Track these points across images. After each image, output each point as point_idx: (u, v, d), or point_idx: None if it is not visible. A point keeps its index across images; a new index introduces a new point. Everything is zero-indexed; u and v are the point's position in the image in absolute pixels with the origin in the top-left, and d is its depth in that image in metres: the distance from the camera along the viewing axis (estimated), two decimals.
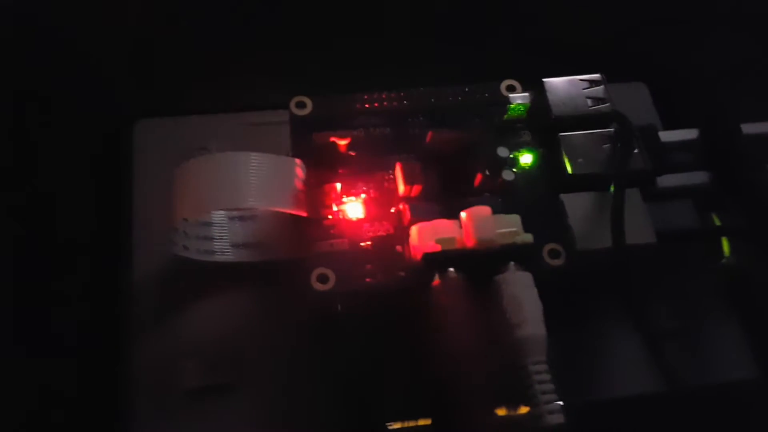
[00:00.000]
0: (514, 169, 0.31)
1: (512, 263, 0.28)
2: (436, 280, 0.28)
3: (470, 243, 0.27)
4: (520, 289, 0.27)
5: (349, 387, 0.31)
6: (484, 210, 0.28)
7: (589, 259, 0.30)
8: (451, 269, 0.28)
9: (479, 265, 0.28)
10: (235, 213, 0.33)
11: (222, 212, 0.33)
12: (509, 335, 0.27)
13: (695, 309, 0.34)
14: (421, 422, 0.32)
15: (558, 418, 0.25)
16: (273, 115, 0.36)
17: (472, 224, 0.27)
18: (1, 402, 0.30)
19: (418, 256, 0.28)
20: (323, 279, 0.29)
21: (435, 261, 0.28)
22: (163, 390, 0.31)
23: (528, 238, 0.28)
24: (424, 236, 0.28)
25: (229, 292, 0.33)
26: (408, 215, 0.30)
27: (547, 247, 0.30)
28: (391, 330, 0.30)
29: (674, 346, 0.32)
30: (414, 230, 0.29)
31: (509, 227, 0.28)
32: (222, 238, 0.33)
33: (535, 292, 0.27)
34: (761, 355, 0.33)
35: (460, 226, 0.28)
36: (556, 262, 0.30)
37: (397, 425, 0.30)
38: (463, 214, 0.28)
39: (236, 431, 0.30)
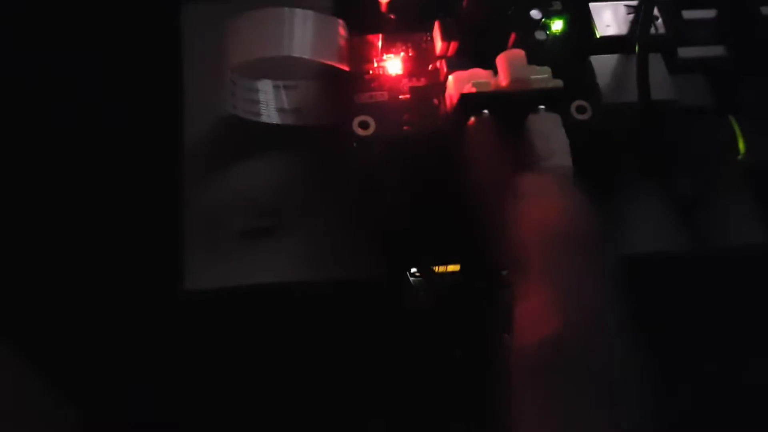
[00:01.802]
0: (547, 33, 0.33)
1: (542, 106, 0.30)
2: (472, 120, 0.30)
3: (504, 83, 0.29)
4: (549, 126, 0.29)
5: (383, 234, 0.33)
6: (519, 53, 0.30)
7: (614, 113, 0.32)
8: (486, 111, 0.29)
9: (512, 106, 0.29)
10: (280, 82, 0.35)
11: (268, 81, 0.35)
12: (538, 166, 0.29)
13: (714, 180, 0.36)
14: (451, 268, 0.34)
15: None
16: None
17: (507, 65, 0.29)
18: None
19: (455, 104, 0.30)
20: (364, 125, 0.31)
21: (471, 101, 0.29)
22: (215, 232, 0.33)
23: (558, 83, 0.30)
24: (461, 84, 0.30)
25: (275, 151, 0.35)
26: (445, 70, 0.32)
27: (575, 103, 0.32)
28: (426, 176, 0.32)
29: (695, 213, 0.35)
30: (451, 78, 0.31)
31: (541, 74, 0.30)
32: (267, 102, 0.35)
33: (563, 131, 0.29)
34: None
35: (495, 75, 0.30)
36: (584, 117, 0.32)
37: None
38: (498, 58, 0.30)
39: (279, 269, 0.33)
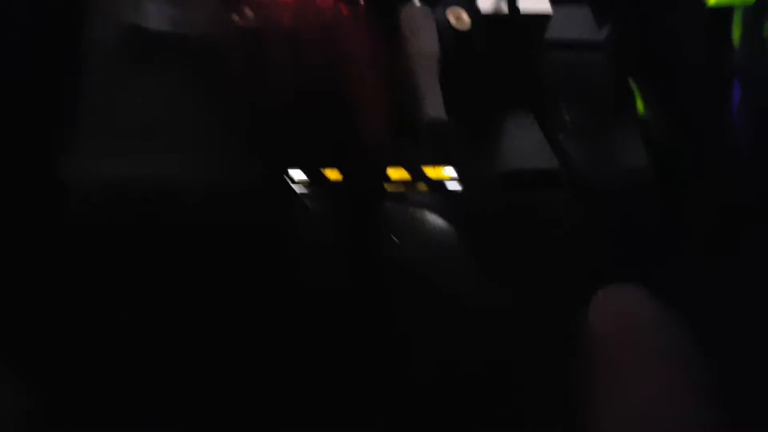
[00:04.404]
0: None
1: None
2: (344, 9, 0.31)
3: None
4: (419, 16, 0.31)
5: (265, 133, 0.33)
6: None
7: (489, 24, 0.33)
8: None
9: None
10: None
11: None
12: (407, 51, 0.30)
13: (595, 109, 0.37)
14: (332, 175, 0.34)
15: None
16: None
17: None
18: None
19: None
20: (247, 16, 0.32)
21: None
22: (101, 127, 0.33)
23: None
24: None
25: (172, 62, 0.36)
26: None
27: (452, 10, 0.34)
28: (303, 73, 0.33)
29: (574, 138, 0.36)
30: None
31: None
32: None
33: (432, 23, 0.31)
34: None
35: None
36: (461, 25, 0.33)
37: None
38: None
39: (160, 164, 0.33)
